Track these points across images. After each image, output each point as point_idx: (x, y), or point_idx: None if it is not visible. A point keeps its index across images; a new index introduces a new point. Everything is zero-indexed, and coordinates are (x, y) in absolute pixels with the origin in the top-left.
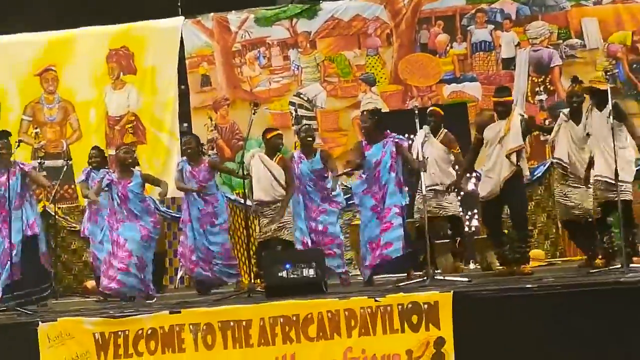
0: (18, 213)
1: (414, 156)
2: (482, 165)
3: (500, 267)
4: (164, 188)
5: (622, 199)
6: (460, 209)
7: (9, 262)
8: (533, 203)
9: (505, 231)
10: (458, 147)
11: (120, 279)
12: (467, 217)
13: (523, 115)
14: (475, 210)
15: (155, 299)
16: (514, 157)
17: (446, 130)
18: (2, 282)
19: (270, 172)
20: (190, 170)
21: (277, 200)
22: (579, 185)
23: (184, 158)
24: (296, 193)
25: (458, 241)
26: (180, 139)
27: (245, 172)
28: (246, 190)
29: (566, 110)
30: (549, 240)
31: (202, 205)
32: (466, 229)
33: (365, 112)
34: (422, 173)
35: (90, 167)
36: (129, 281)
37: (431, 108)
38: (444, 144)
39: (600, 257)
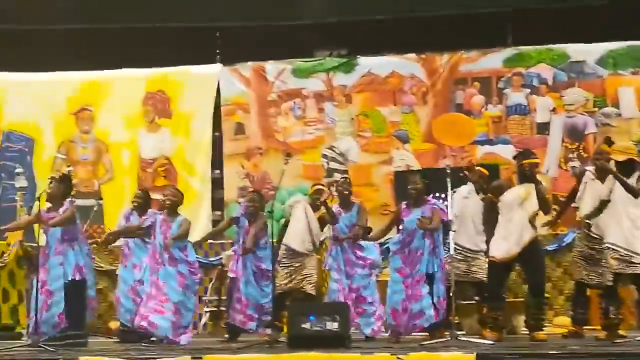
0: (59, 258)
1: (450, 214)
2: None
3: (526, 332)
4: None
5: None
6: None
7: (47, 308)
8: (561, 270)
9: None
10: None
11: (152, 320)
12: None
13: (541, 183)
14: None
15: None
16: (535, 221)
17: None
18: (43, 324)
19: (309, 224)
20: (247, 227)
21: (305, 254)
22: (600, 248)
23: (243, 213)
24: (334, 246)
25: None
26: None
27: (278, 220)
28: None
29: (592, 168)
30: None
31: (255, 259)
32: None
33: (417, 174)
34: (451, 233)
35: (132, 209)
36: (161, 324)
37: (476, 168)
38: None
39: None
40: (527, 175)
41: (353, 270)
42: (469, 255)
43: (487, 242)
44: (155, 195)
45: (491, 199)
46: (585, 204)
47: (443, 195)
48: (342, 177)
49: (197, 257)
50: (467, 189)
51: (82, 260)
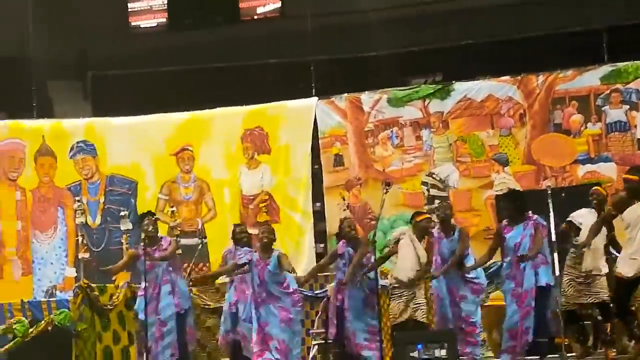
0: (167, 287)
1: (581, 238)
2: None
3: (635, 348)
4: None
5: None
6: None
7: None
8: None
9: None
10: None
11: (266, 357)
12: None
13: None
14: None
15: None
16: None
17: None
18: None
19: (417, 254)
20: (352, 253)
21: (414, 283)
22: None
23: (344, 242)
24: (438, 275)
25: (609, 327)
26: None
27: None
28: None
29: None
30: None
31: (364, 289)
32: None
33: (503, 195)
34: (556, 256)
35: (234, 244)
36: None
37: (594, 188)
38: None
39: None
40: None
41: (459, 297)
42: (594, 276)
43: (607, 260)
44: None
45: (611, 213)
46: None
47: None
48: (442, 201)
49: (302, 290)
50: (586, 211)
51: (186, 291)
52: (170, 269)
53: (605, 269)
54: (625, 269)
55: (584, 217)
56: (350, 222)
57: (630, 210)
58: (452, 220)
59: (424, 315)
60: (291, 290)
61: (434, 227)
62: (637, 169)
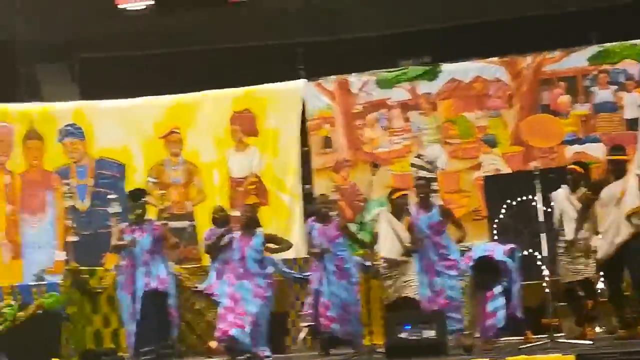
0: (143, 270)
1: (556, 216)
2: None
3: (622, 331)
4: (284, 245)
5: None
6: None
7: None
8: None
9: (627, 293)
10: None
11: (233, 335)
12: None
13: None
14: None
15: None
16: (634, 219)
17: (585, 189)
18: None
19: (397, 233)
20: (321, 229)
21: (402, 261)
22: None
23: (313, 218)
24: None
25: (590, 305)
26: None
27: (370, 231)
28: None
29: None
30: None
31: (335, 264)
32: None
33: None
34: (542, 235)
35: (214, 225)
36: (242, 338)
37: (570, 166)
38: (582, 202)
39: None
40: (621, 169)
41: (436, 276)
42: (574, 254)
43: (587, 239)
44: None
45: (588, 196)
46: None
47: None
48: (420, 179)
49: (291, 272)
50: (564, 191)
51: (165, 272)
52: (153, 248)
53: (594, 246)
54: (600, 250)
55: (556, 198)
56: (325, 199)
57: (606, 189)
58: (431, 197)
59: (415, 293)
60: (268, 272)
61: (409, 205)
62: (619, 148)
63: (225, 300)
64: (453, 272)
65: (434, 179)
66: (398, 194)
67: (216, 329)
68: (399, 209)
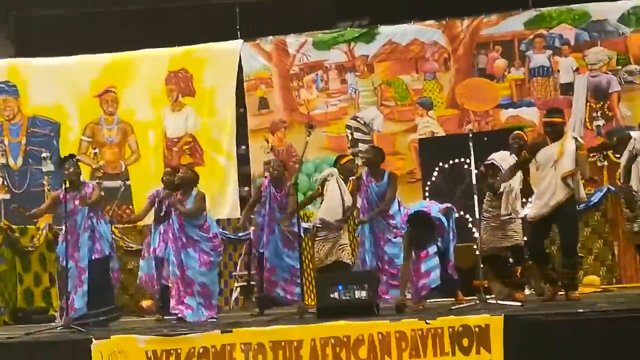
0: (87, 234)
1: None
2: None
3: (550, 290)
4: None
5: None
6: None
7: (81, 284)
8: (589, 229)
9: (548, 251)
10: None
11: (187, 303)
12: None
13: (577, 139)
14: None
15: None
16: (569, 181)
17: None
18: (76, 303)
19: (342, 197)
20: (274, 194)
21: (337, 225)
22: None
23: (269, 180)
24: (363, 217)
25: (519, 270)
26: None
27: (317, 190)
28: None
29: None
30: (605, 266)
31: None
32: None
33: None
34: (476, 199)
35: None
36: (195, 306)
37: (516, 132)
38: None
39: None
40: (557, 131)
41: (384, 240)
42: (505, 220)
43: (523, 204)
44: None
45: (525, 157)
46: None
47: (468, 160)
48: (372, 146)
49: (225, 233)
50: (506, 154)
51: (108, 236)
52: (92, 214)
53: (521, 213)
54: (533, 210)
55: (505, 161)
56: (277, 162)
57: (542, 151)
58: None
59: (349, 257)
60: (211, 234)
61: (357, 170)
62: (556, 110)
63: (175, 269)
64: (399, 240)
65: (370, 141)
66: (346, 159)
67: (171, 299)
68: (345, 174)
